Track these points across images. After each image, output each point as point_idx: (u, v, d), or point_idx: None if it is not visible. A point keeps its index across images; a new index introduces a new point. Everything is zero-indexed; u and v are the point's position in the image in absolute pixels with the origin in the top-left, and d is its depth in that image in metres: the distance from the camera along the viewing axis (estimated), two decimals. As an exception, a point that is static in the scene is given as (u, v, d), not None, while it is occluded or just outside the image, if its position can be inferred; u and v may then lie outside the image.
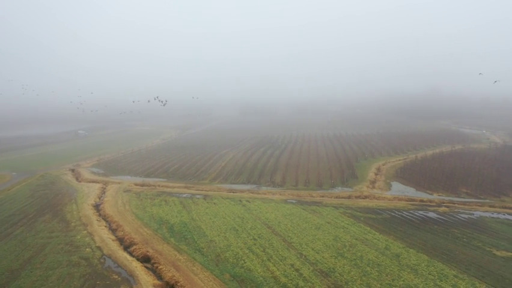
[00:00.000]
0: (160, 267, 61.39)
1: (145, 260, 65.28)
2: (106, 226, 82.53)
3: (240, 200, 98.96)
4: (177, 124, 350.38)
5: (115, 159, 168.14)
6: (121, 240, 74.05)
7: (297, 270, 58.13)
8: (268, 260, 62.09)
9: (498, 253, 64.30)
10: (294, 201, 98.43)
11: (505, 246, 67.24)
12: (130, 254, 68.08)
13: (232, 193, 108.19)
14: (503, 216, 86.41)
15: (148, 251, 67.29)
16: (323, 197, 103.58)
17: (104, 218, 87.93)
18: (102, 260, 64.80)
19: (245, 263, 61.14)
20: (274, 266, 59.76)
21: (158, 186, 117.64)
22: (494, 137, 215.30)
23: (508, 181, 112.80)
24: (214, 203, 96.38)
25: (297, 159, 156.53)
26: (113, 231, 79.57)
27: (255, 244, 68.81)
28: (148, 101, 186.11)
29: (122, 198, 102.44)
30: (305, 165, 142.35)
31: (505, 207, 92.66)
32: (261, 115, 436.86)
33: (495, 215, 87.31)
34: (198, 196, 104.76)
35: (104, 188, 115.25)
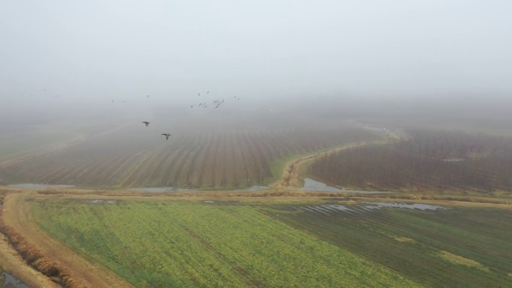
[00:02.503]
0: (70, 279, 57.36)
1: (52, 273, 60.51)
2: (5, 240, 74.92)
3: (156, 204, 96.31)
4: (86, 126, 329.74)
5: (14, 166, 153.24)
6: (23, 254, 67.80)
7: (216, 270, 58.18)
8: (187, 262, 61.31)
9: (399, 239, 70.52)
10: (211, 202, 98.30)
11: (404, 233, 73.99)
12: (35, 268, 62.63)
13: (147, 197, 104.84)
14: (402, 206, 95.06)
15: (55, 263, 62.48)
16: (239, 196, 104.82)
17: (3, 230, 79.72)
18: (1, 277, 58.84)
19: (163, 267, 59.69)
20: (193, 267, 59.19)
21: (66, 193, 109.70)
22: (393, 134, 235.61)
23: (405, 173, 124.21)
24: (128, 208, 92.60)
25: (213, 159, 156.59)
26: (14, 244, 72.55)
27: (172, 247, 67.48)
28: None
29: (24, 208, 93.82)
30: (221, 165, 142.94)
31: (403, 197, 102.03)
32: (176, 116, 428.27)
33: (395, 205, 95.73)
34: (110, 201, 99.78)
35: (2, 198, 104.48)
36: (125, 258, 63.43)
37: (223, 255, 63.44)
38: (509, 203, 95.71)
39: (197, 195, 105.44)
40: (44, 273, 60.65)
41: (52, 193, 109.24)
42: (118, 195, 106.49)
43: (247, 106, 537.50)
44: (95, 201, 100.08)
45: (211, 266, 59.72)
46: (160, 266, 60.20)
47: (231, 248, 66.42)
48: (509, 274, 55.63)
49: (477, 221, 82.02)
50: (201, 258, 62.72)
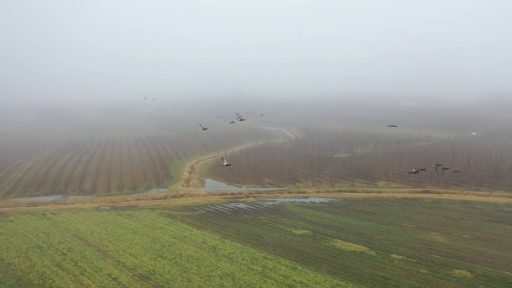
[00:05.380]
0: None
1: None
2: None
3: (44, 214, 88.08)
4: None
5: None
6: None
7: (115, 279, 55.11)
8: (82, 274, 57.05)
9: (297, 232, 74.21)
10: (107, 208, 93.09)
11: (301, 225, 78.14)
12: None
13: (33, 207, 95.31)
14: (298, 200, 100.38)
15: None
16: (138, 200, 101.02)
17: None
18: None
19: (54, 282, 54.70)
20: (89, 279, 55.29)
21: None
22: (288, 133, 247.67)
23: (301, 170, 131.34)
24: (10, 221, 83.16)
25: (109, 163, 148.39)
26: None
27: (64, 259, 62.27)
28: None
29: None
30: (118, 169, 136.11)
31: (300, 192, 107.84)
32: (65, 118, 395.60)
33: (292, 200, 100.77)
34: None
35: None
36: (9, 277, 56.83)
37: (123, 263, 60.40)
38: (389, 192, 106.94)
39: (91, 202, 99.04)
40: None
41: None
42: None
43: (144, 107, 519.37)
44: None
45: (109, 275, 56.40)
46: (51, 281, 55.10)
47: (130, 255, 63.55)
48: (392, 255, 62.02)
49: (364, 210, 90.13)
50: (97, 268, 58.88)
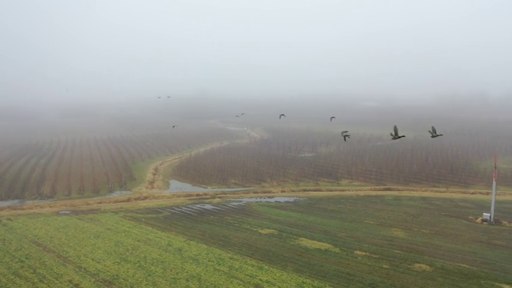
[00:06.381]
0: None
1: None
2: None
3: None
4: None
5: None
6: None
7: (76, 285, 53.30)
8: (41, 281, 54.79)
9: (262, 231, 74.56)
10: (68, 212, 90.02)
11: (267, 225, 78.59)
12: None
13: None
14: (264, 200, 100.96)
15: None
16: (100, 203, 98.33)
17: None
18: None
19: (11, 290, 52.34)
20: (49, 286, 53.15)
21: None
22: (253, 133, 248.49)
23: (266, 169, 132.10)
24: (-38, 228, 78.86)
25: (69, 166, 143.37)
26: None
27: (22, 267, 59.60)
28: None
29: None
30: (78, 172, 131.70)
31: (265, 192, 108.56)
32: (20, 120, 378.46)
33: (258, 199, 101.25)
34: None
35: None
36: (-39, 287, 53.91)
37: (84, 268, 58.50)
38: (352, 190, 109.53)
39: (50, 207, 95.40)
40: None
41: None
42: None
43: (105, 108, 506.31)
44: None
45: (70, 281, 54.48)
46: (7, 289, 52.71)
47: (92, 259, 61.69)
48: (355, 252, 63.48)
49: (328, 208, 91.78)
50: (57, 274, 56.73)
